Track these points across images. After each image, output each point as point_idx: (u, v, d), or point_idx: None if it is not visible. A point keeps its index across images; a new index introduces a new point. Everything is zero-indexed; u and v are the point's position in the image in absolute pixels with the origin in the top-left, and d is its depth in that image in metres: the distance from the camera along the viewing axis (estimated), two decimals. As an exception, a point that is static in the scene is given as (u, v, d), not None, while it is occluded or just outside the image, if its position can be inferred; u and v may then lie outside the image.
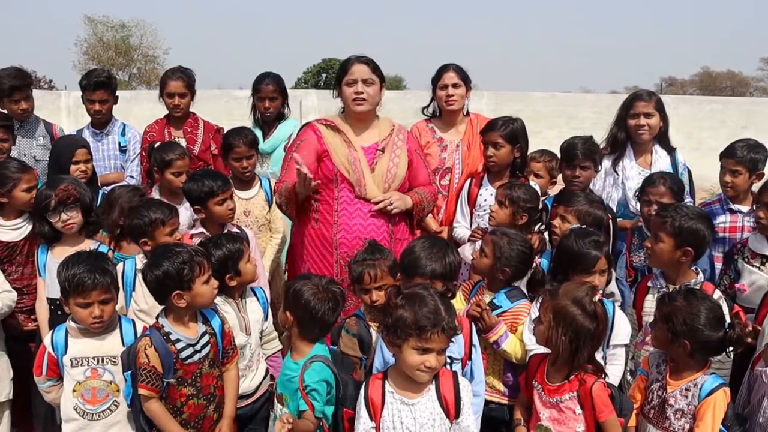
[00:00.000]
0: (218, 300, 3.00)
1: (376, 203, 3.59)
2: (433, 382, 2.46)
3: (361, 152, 3.66)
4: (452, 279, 2.91)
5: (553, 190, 4.52)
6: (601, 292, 2.66)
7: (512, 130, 3.88)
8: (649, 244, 3.22)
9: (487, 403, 2.92)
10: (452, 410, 2.44)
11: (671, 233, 3.09)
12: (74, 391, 2.81)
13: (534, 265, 3.18)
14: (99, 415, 2.82)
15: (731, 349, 2.68)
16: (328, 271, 3.55)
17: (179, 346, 2.68)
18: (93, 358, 2.82)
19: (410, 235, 3.73)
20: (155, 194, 4.07)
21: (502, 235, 3.07)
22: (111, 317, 2.85)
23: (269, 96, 4.83)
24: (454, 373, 2.55)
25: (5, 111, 4.52)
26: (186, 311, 2.72)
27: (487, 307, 2.95)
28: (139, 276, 3.09)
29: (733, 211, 3.85)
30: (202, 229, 3.61)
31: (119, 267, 3.22)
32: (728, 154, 3.86)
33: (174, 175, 3.99)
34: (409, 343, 2.36)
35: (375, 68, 3.66)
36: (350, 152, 3.64)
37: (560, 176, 4.31)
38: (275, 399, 2.81)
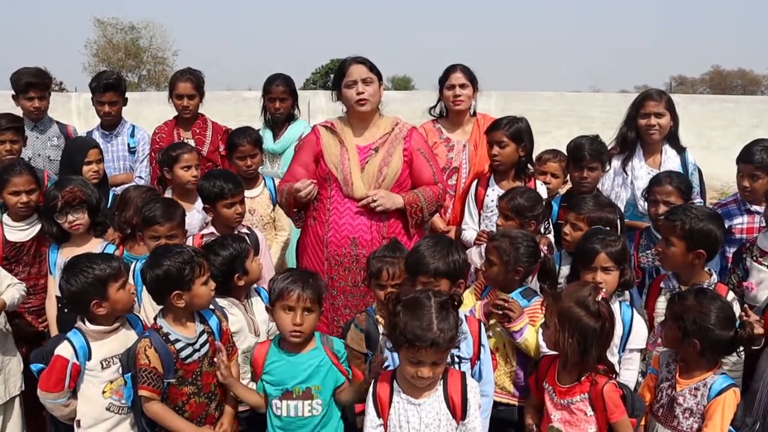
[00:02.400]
0: (224, 303, 3.01)
1: (361, 200, 3.58)
2: (441, 383, 2.45)
3: (354, 152, 3.65)
4: (458, 278, 2.88)
5: (563, 189, 4.50)
6: (605, 291, 2.63)
7: (517, 129, 3.87)
8: (660, 249, 3.18)
9: (496, 404, 2.90)
10: (459, 411, 2.42)
11: (682, 236, 3.05)
12: (104, 392, 2.76)
13: (542, 254, 3.15)
14: None
15: (742, 349, 2.66)
16: (320, 268, 3.59)
17: (178, 346, 2.68)
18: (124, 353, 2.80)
19: (406, 235, 3.65)
20: (167, 196, 4.06)
21: (502, 238, 3.04)
22: None
23: (279, 97, 4.85)
24: (463, 374, 2.53)
25: (19, 111, 4.55)
26: (184, 312, 2.72)
27: (511, 298, 2.89)
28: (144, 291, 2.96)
29: (750, 212, 3.79)
30: (212, 229, 3.62)
31: (132, 267, 3.26)
32: (746, 159, 3.74)
33: (183, 170, 4.00)
34: (401, 352, 2.36)
35: (372, 67, 3.66)
36: (341, 152, 3.65)
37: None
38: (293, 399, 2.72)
